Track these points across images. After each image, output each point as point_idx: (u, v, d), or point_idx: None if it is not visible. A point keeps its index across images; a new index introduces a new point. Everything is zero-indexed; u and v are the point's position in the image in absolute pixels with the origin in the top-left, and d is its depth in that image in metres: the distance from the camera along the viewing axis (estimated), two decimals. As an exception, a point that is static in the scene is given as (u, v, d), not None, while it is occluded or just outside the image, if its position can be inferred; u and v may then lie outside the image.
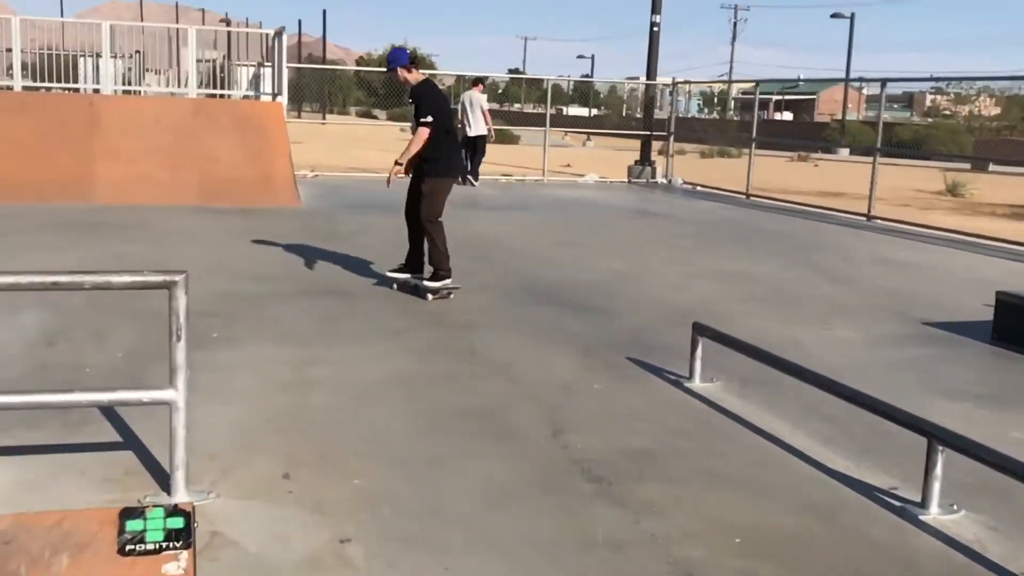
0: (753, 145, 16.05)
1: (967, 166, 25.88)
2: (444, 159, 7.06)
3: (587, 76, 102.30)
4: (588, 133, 37.60)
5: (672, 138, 18.74)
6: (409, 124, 14.90)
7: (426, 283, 6.93)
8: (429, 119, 6.81)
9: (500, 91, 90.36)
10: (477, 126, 15.87)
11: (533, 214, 12.85)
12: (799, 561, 3.13)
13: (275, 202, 12.25)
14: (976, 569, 3.11)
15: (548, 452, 4.00)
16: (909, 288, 8.19)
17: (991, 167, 26.82)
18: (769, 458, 4.04)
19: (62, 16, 36.40)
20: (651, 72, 18.90)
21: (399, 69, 7.03)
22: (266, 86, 15.23)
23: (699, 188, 17.86)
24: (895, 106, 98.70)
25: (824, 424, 4.43)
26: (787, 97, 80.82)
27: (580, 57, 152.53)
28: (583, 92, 65.05)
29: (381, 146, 28.84)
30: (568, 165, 22.79)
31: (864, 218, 13.31)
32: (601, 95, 70.03)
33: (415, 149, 6.89)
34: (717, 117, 62.89)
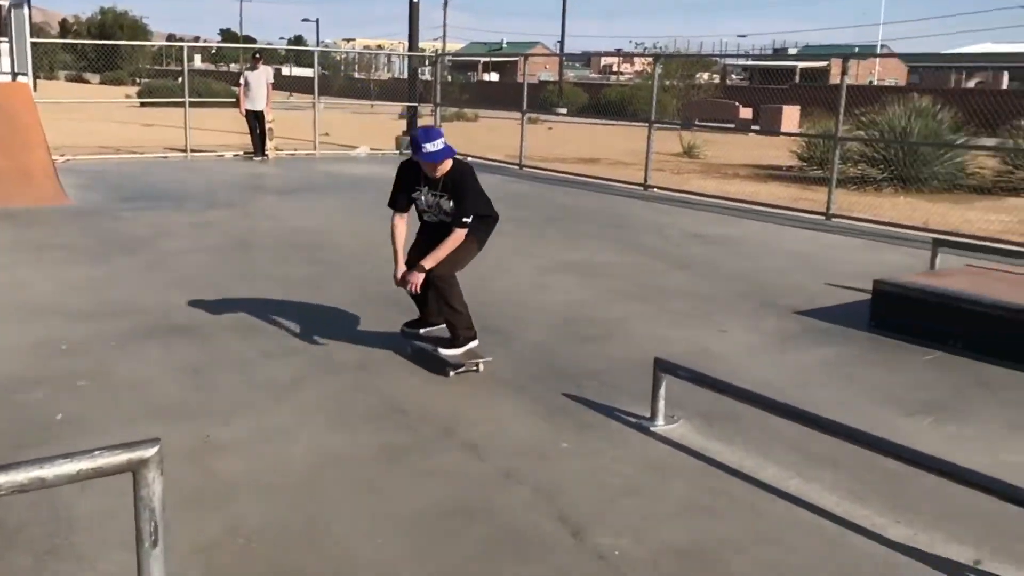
0: (525, 117, 15.33)
1: (676, 125, 26.78)
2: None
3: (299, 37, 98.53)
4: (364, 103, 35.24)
5: (439, 108, 17.66)
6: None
7: (444, 351, 4.91)
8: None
9: (214, 52, 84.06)
10: (261, 100, 14.80)
11: (333, 198, 11.36)
12: None
13: (38, 201, 9.91)
14: None
15: (590, 569, 2.99)
16: (748, 269, 7.80)
17: (671, 128, 27.83)
18: (815, 531, 3.26)
19: None
20: (413, 43, 17.72)
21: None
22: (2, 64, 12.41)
23: (469, 159, 16.96)
24: (576, 65, 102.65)
25: (824, 470, 3.73)
26: (525, 61, 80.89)
27: (305, 20, 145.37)
28: (297, 54, 61.97)
29: (110, 115, 25.36)
30: (327, 134, 21.04)
31: (642, 187, 13.05)
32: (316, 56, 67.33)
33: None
34: (429, 78, 62.04)
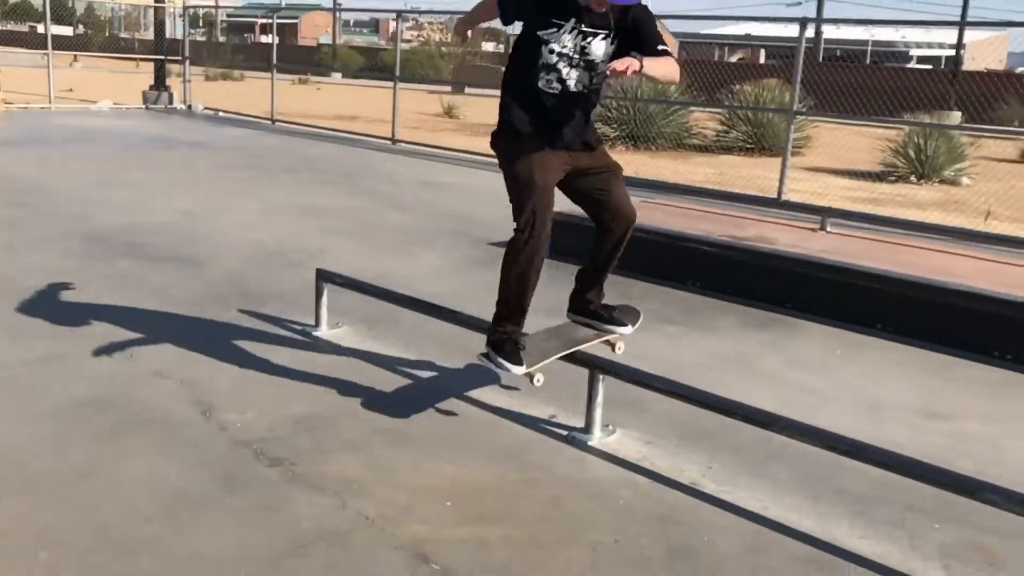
0: (275, 71, 15.26)
1: (447, 88, 27.33)
2: None
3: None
4: (94, 56, 33.18)
5: (188, 63, 17.15)
6: None
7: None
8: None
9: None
10: None
11: (60, 148, 10.93)
12: (514, 514, 2.96)
13: None
14: (655, 484, 3.20)
15: (209, 438, 3.34)
16: (461, 210, 8.38)
17: (467, 90, 28.62)
18: (424, 396, 3.79)
19: None
20: (160, -6, 17.02)
21: None
22: None
23: (221, 114, 16.66)
24: (364, 31, 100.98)
25: (463, 357, 4.29)
26: (275, 21, 78.26)
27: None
28: (57, 12, 57.59)
29: None
30: (71, 90, 19.86)
31: (390, 142, 13.41)
32: (77, 14, 62.54)
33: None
34: (204, 39, 59.77)
